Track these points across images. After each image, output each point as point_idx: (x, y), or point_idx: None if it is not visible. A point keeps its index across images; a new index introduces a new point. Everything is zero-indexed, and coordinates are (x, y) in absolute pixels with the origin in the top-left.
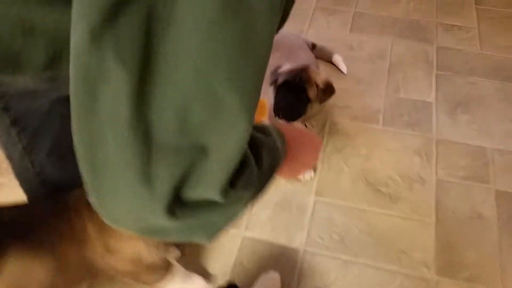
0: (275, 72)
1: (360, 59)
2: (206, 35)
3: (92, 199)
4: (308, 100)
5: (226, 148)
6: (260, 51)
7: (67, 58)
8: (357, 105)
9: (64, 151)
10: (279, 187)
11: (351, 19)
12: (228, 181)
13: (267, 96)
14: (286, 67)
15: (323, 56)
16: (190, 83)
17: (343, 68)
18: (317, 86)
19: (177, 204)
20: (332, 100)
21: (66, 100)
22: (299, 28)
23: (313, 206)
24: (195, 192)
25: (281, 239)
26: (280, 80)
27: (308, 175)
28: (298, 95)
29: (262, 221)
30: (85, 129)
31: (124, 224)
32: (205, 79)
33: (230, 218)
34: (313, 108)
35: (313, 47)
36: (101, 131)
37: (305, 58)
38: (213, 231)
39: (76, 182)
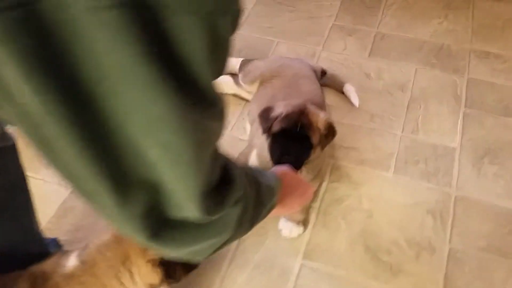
0: (266, 116)
1: (376, 89)
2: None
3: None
4: (311, 146)
5: (184, 177)
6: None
7: None
8: (366, 146)
9: None
10: (262, 244)
11: (372, 41)
12: (204, 198)
13: (258, 142)
14: (279, 109)
15: (334, 85)
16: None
17: (355, 100)
18: (319, 129)
19: (160, 224)
20: (338, 139)
21: None
22: (311, 50)
23: (298, 271)
24: (173, 212)
25: None
26: (276, 128)
27: (296, 231)
28: (301, 142)
29: (237, 284)
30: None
31: (134, 239)
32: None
33: (219, 235)
34: (316, 154)
35: (322, 74)
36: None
37: (307, 90)
38: (207, 251)
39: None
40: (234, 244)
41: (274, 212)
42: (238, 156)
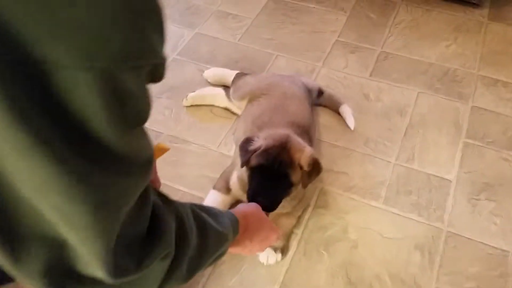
0: (245, 148)
1: (374, 112)
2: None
3: None
4: (291, 185)
5: (86, 240)
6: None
7: None
8: (357, 172)
9: None
10: (238, 270)
11: (375, 60)
12: (111, 261)
13: (238, 172)
14: (259, 142)
15: (331, 105)
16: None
17: (351, 122)
18: (301, 167)
19: (66, 280)
20: (328, 162)
21: None
22: (311, 65)
23: None
24: (81, 268)
25: None
26: (254, 162)
27: (272, 258)
28: (279, 181)
29: None
30: None
31: None
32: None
33: None
34: (295, 191)
35: (319, 94)
36: None
37: (294, 111)
38: None
39: None
40: (210, 267)
41: (231, 251)
42: (220, 175)
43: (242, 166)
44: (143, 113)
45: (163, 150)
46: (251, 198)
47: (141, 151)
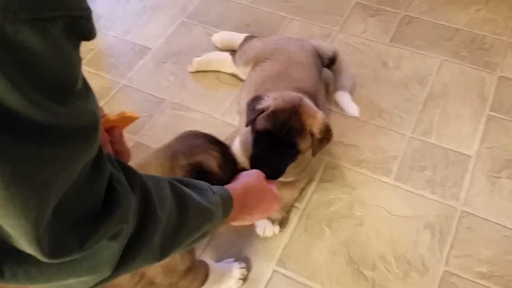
0: (253, 107)
1: (391, 81)
2: None
3: None
4: (297, 152)
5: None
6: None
7: None
8: (368, 145)
9: None
10: (235, 243)
11: (396, 24)
12: (42, 240)
13: (243, 129)
14: (268, 101)
15: (333, 82)
16: None
17: (353, 109)
18: (312, 134)
19: (5, 257)
20: (338, 135)
21: None
22: (327, 30)
23: (269, 277)
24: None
25: None
26: (260, 125)
27: (270, 230)
28: (286, 149)
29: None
30: None
31: None
32: None
33: (87, 273)
34: (301, 158)
35: (331, 62)
36: None
37: (299, 78)
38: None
39: None
40: (206, 238)
41: (230, 223)
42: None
43: (247, 125)
44: (65, 77)
45: (131, 119)
46: (253, 165)
47: (75, 118)
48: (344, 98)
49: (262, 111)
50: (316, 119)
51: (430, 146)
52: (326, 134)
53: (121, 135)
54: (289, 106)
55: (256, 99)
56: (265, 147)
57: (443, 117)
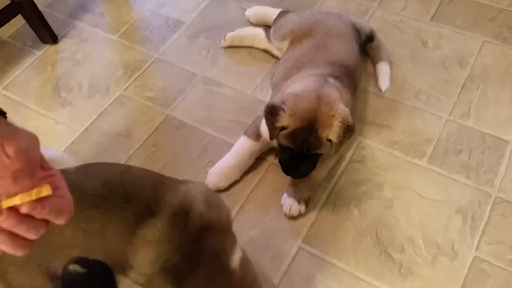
0: (272, 121)
1: (430, 61)
2: None
3: None
4: (320, 155)
5: None
6: None
7: None
8: (402, 126)
9: None
10: (261, 219)
11: (438, 2)
12: None
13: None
14: (285, 119)
15: (372, 56)
16: None
17: (384, 83)
18: (329, 141)
19: None
20: (371, 114)
21: None
22: (365, 6)
23: (294, 254)
24: None
25: None
26: (283, 142)
27: (295, 209)
28: (308, 159)
29: None
30: None
31: None
32: None
33: None
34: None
35: (368, 39)
36: None
37: (338, 50)
38: None
39: None
40: (232, 213)
41: None
42: (253, 121)
43: (271, 139)
44: None
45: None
46: (283, 170)
47: None
48: (383, 70)
49: (282, 128)
50: (332, 128)
51: (467, 130)
52: (346, 133)
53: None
54: (306, 124)
55: (273, 111)
56: (289, 159)
57: (482, 100)
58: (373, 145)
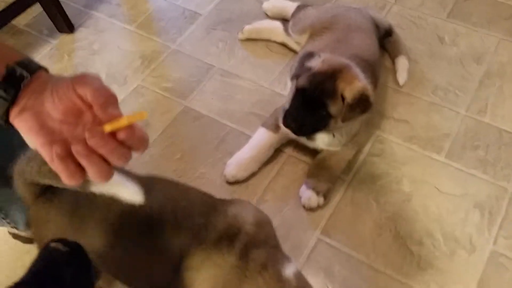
0: (303, 62)
1: (447, 57)
2: None
3: None
4: (328, 116)
5: None
6: None
7: None
8: (420, 122)
9: None
10: (280, 210)
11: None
12: None
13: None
14: (317, 61)
15: (391, 51)
16: None
17: (402, 77)
18: (343, 99)
19: None
20: (389, 109)
21: None
22: (382, 1)
23: (313, 246)
24: None
25: None
26: (300, 83)
27: (314, 201)
28: (316, 109)
29: None
30: None
31: None
32: None
33: None
34: (338, 124)
35: (387, 34)
36: None
37: (358, 44)
38: None
39: None
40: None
41: None
42: (272, 113)
43: (291, 79)
44: None
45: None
46: (283, 120)
47: None
48: (402, 64)
49: (309, 69)
50: (351, 85)
51: (484, 126)
52: (361, 102)
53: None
54: (330, 70)
55: (309, 56)
56: (298, 104)
57: (499, 97)
58: (391, 139)
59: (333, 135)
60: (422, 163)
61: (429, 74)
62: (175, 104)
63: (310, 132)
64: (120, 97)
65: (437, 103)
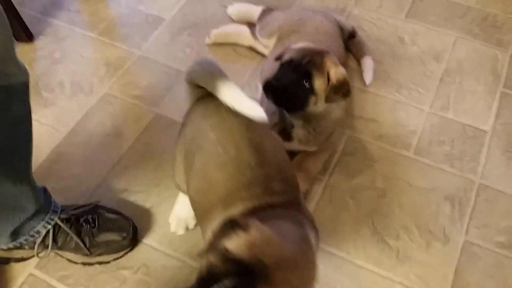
0: (287, 46)
1: (408, 56)
2: None
3: None
4: (311, 91)
5: None
6: None
7: None
8: (388, 120)
9: None
10: None
11: (411, 0)
12: None
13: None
14: (301, 45)
15: (355, 52)
16: None
17: (368, 77)
18: (328, 78)
19: None
20: (358, 109)
21: None
22: (342, 4)
23: None
24: None
25: None
26: (287, 56)
27: None
28: (300, 79)
29: None
30: None
31: None
32: None
33: None
34: (317, 105)
35: (350, 36)
36: None
37: (329, 49)
38: None
39: None
40: None
41: None
42: None
43: (276, 59)
44: None
45: None
46: (265, 84)
47: None
48: (368, 64)
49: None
50: (336, 68)
51: (448, 121)
52: (343, 86)
53: None
54: (318, 49)
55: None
56: (283, 72)
57: (459, 92)
58: (362, 138)
59: (308, 132)
60: (393, 160)
61: (392, 73)
62: (146, 111)
63: (289, 105)
64: (87, 106)
65: (402, 101)
